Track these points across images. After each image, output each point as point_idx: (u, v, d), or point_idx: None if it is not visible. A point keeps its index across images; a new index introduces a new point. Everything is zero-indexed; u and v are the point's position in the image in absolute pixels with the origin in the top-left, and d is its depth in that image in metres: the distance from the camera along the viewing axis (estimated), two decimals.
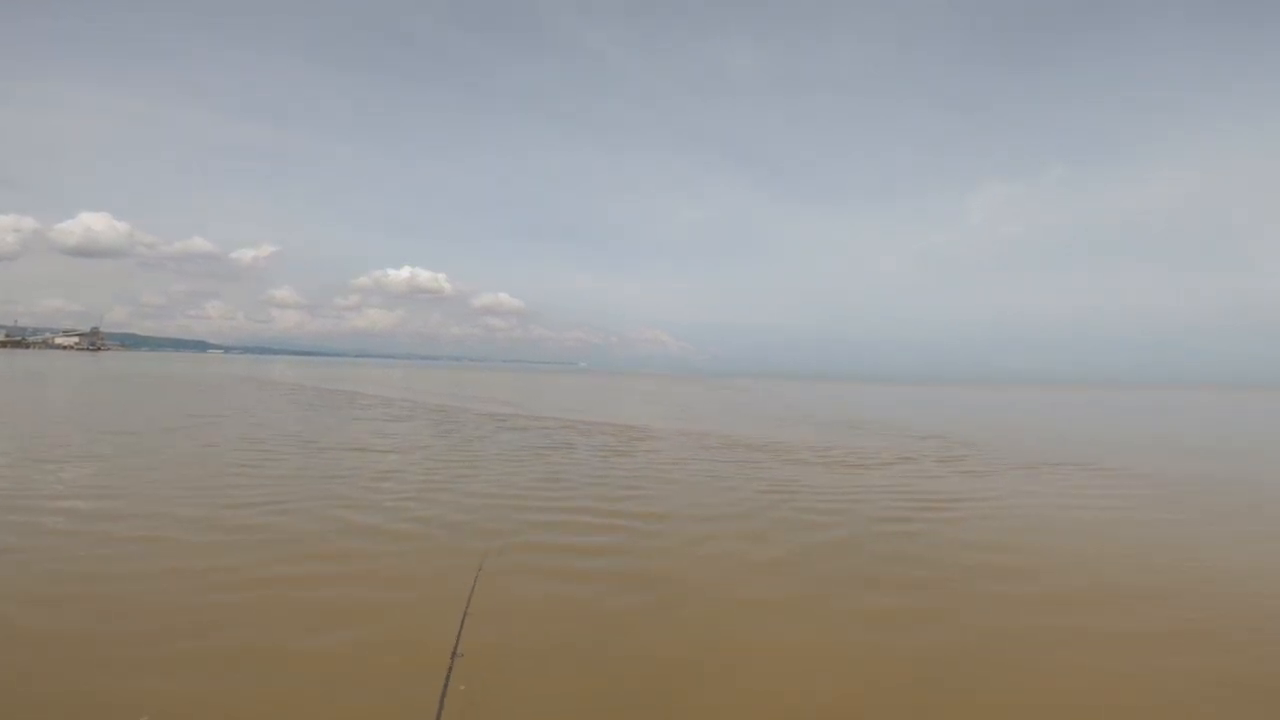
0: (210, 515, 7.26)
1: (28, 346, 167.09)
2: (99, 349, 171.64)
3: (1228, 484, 12.14)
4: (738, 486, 10.25)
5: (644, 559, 6.37)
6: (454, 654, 2.98)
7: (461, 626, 3.26)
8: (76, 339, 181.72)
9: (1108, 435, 23.10)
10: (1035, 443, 19.16)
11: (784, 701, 3.73)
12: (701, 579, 5.83)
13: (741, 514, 8.41)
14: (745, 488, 10.15)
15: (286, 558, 5.84)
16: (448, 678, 2.74)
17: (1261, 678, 4.23)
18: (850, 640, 4.60)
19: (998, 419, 30.34)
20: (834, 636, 4.63)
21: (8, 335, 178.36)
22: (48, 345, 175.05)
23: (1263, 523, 9.06)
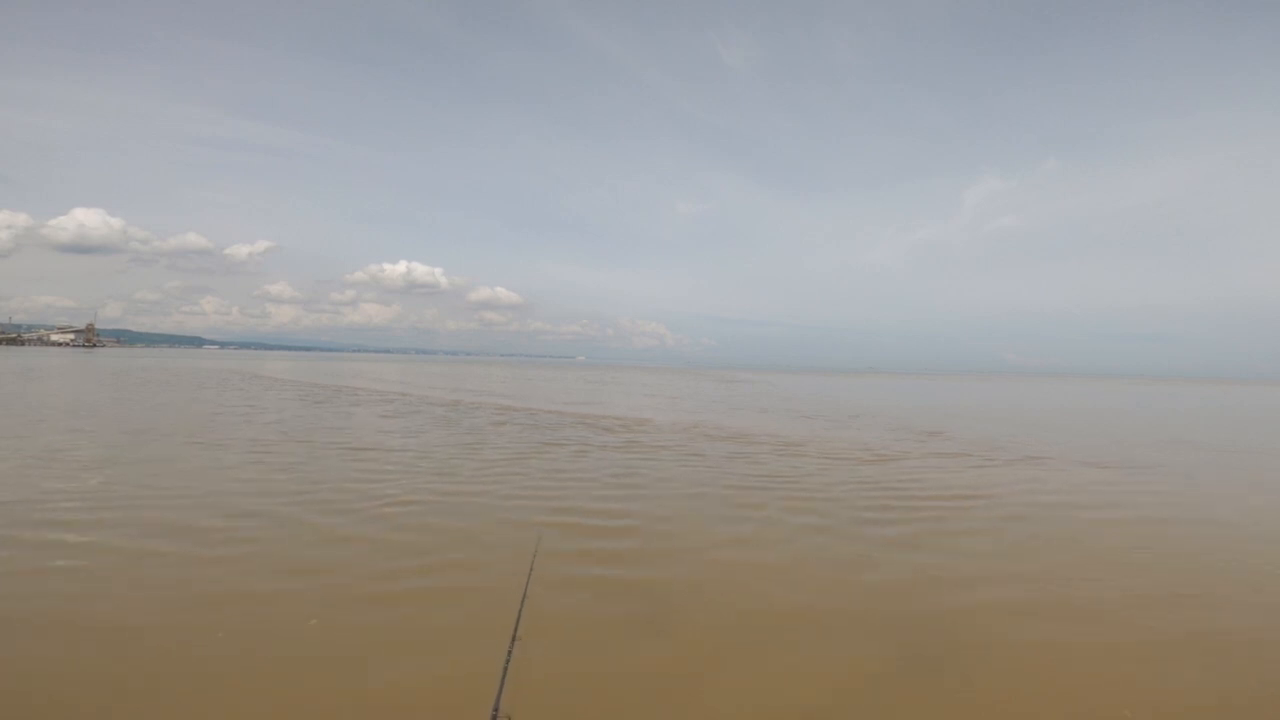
0: (277, 535, 7.53)
1: (22, 343, 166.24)
2: (94, 345, 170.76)
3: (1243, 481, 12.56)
4: (744, 483, 10.61)
5: (660, 562, 6.66)
6: (513, 638, 3.11)
7: (520, 613, 3.38)
8: (72, 335, 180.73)
9: (1105, 429, 23.53)
10: (1033, 438, 19.54)
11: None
12: (722, 587, 6.11)
13: (746, 516, 8.71)
14: (749, 483, 10.51)
15: (359, 576, 6.13)
16: (508, 659, 2.89)
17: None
18: (865, 671, 4.97)
19: (995, 412, 30.74)
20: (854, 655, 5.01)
21: (2, 332, 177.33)
22: (43, 342, 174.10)
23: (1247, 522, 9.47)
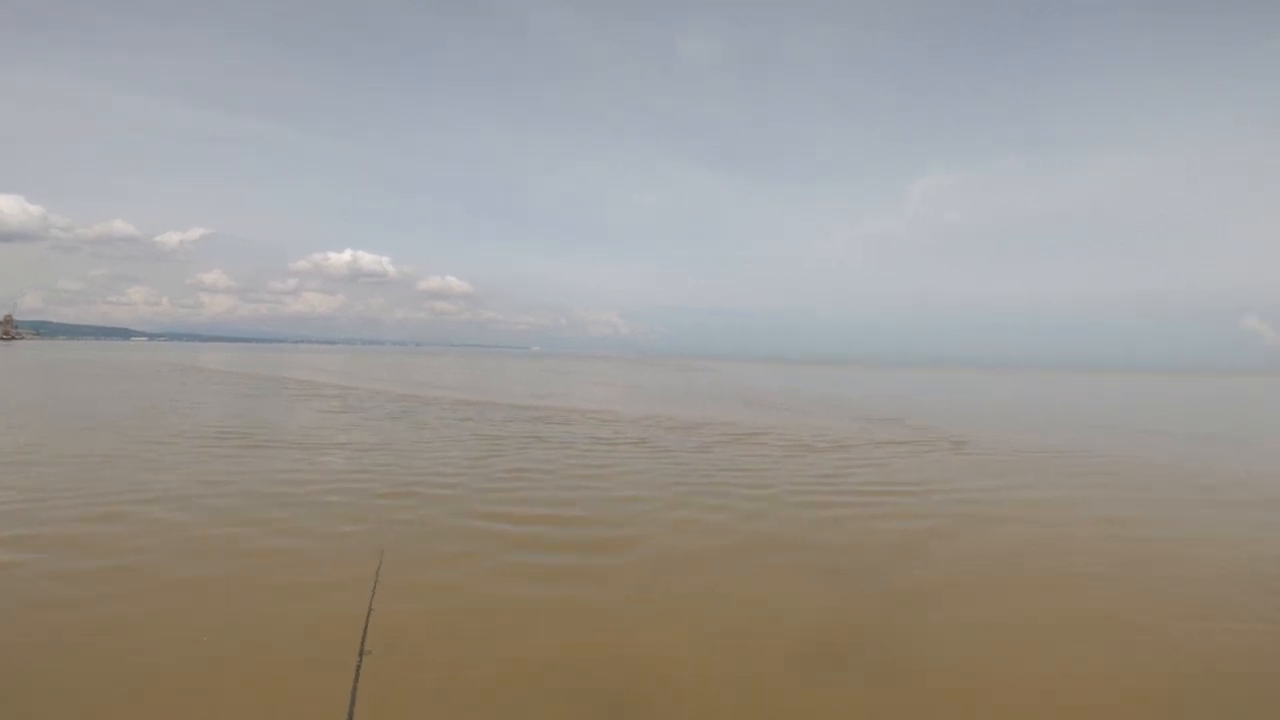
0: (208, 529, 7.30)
1: None
2: (12, 338, 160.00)
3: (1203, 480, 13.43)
4: (702, 470, 10.80)
5: (611, 553, 6.72)
6: (361, 651, 3.03)
7: (367, 624, 3.31)
8: None
9: (1037, 417, 24.72)
10: (971, 426, 20.41)
11: None
12: (671, 570, 6.21)
13: (701, 504, 8.86)
14: (706, 470, 10.72)
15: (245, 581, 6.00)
16: (357, 674, 2.81)
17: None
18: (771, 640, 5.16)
19: (941, 401, 31.99)
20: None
21: None
22: None
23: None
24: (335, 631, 4.46)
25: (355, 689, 2.70)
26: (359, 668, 2.88)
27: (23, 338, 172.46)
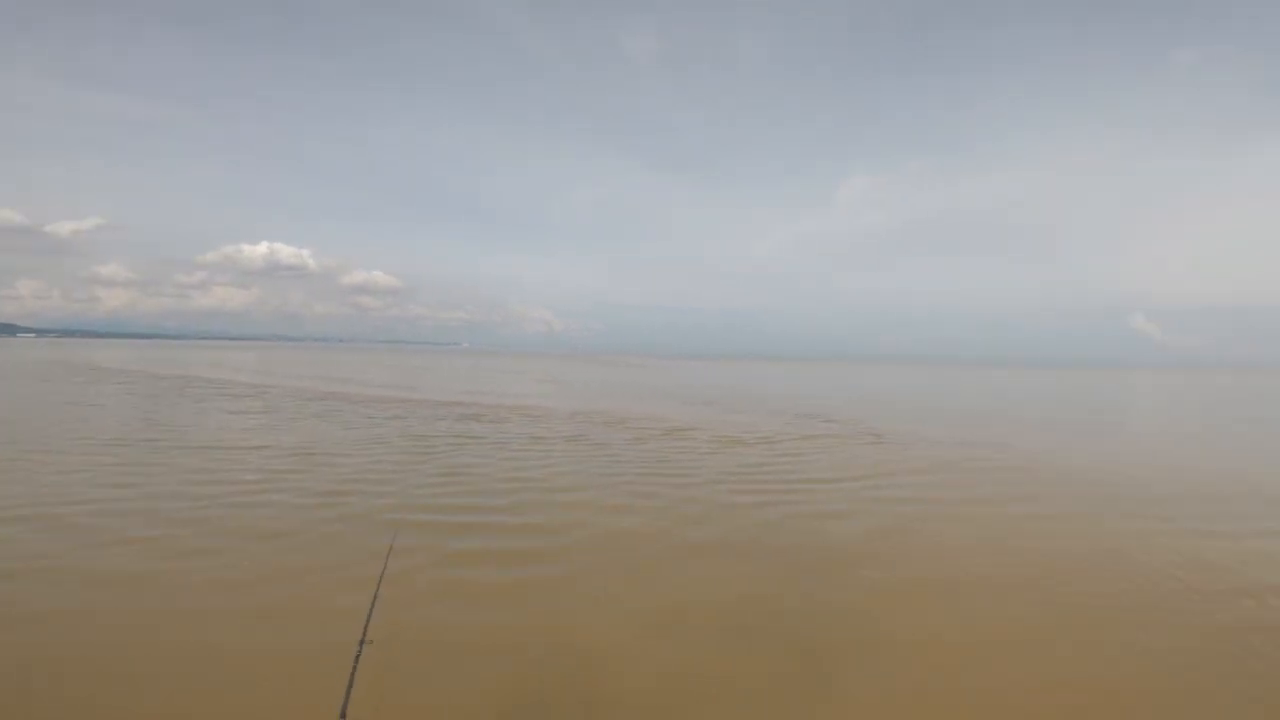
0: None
1: None
2: None
3: (1094, 475, 14.50)
4: (634, 466, 11.00)
5: (533, 560, 6.76)
6: (362, 641, 3.07)
7: (370, 615, 3.31)
8: None
9: (952, 410, 26.21)
10: (890, 421, 21.47)
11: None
12: (592, 577, 6.30)
13: (630, 505, 9.03)
14: (638, 467, 10.93)
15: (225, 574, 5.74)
16: (355, 663, 2.84)
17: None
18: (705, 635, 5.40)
19: (862, 396, 33.44)
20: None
21: None
22: None
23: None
24: (260, 653, 4.35)
25: (353, 675, 2.75)
26: (358, 656, 2.92)
27: None
